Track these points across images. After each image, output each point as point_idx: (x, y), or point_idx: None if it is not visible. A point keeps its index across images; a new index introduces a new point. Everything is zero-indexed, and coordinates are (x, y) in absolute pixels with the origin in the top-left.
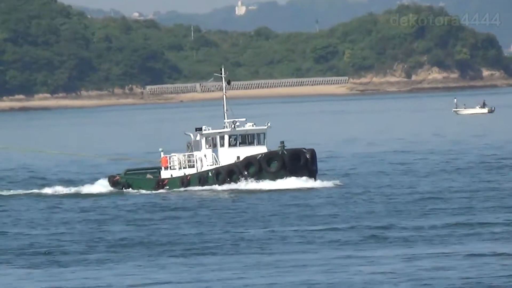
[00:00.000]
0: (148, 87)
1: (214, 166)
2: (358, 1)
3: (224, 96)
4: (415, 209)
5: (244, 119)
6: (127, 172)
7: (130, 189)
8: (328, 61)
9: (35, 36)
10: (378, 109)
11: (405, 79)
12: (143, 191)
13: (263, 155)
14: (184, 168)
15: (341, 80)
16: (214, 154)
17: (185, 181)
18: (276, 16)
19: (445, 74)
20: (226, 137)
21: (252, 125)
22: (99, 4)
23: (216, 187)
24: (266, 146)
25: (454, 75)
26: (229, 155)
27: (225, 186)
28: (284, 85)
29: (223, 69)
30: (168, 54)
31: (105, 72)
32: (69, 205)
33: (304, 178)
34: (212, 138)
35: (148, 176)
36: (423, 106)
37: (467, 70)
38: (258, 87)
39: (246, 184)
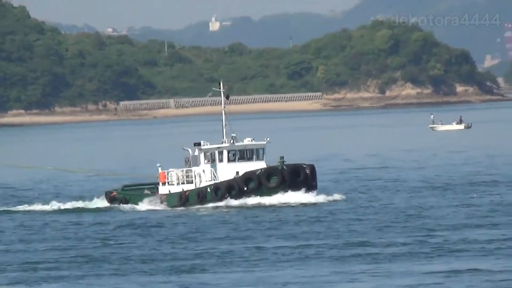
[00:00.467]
0: (122, 103)
1: (213, 182)
2: (332, 17)
3: (223, 111)
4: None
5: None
6: (125, 188)
7: (128, 205)
8: (302, 77)
9: (9, 52)
10: (353, 124)
11: (379, 95)
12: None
13: (262, 170)
14: (182, 183)
15: (314, 96)
16: (212, 169)
17: (183, 196)
18: (250, 31)
19: (418, 90)
20: (225, 152)
21: (251, 140)
22: (72, 20)
23: (215, 203)
24: (265, 162)
25: (428, 90)
26: (228, 171)
27: (224, 202)
28: (258, 101)
29: (221, 84)
30: (142, 70)
31: (78, 88)
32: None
33: (303, 192)
34: (211, 153)
35: (146, 191)
36: (399, 122)
37: (441, 85)
38: (232, 103)
39: (245, 200)
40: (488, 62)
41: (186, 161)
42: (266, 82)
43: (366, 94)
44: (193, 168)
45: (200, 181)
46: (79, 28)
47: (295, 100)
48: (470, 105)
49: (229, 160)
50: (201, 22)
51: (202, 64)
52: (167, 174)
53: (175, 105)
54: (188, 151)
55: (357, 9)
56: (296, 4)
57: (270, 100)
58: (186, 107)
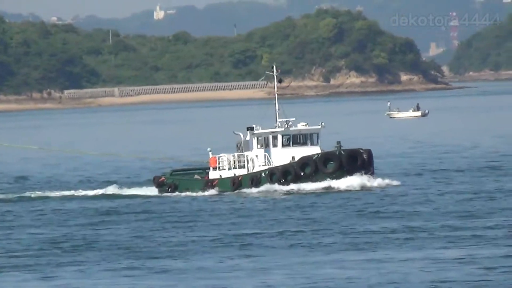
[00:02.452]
0: (67, 92)
1: (267, 167)
2: (277, 6)
3: (276, 95)
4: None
5: (294, 119)
6: (173, 173)
7: (177, 191)
8: (247, 65)
9: None
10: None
11: (323, 83)
12: (191, 193)
13: (319, 155)
14: (234, 168)
15: (259, 85)
16: (266, 154)
17: (236, 182)
18: (195, 20)
19: (363, 79)
20: (280, 137)
21: (305, 125)
22: (17, 8)
23: (270, 187)
24: (320, 147)
25: (372, 79)
26: (282, 155)
27: (279, 187)
28: (202, 90)
29: (275, 68)
30: (86, 58)
31: (23, 76)
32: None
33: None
34: (264, 138)
35: (196, 176)
36: (355, 110)
37: (385, 74)
38: (176, 91)
39: (301, 185)
40: (432, 51)
41: (238, 145)
42: (210, 71)
43: (310, 83)
44: (245, 153)
45: (253, 166)
46: (24, 17)
47: (240, 88)
48: (414, 93)
49: (283, 145)
50: (145, 11)
51: (146, 53)
52: (218, 159)
53: (120, 93)
54: (239, 135)
55: None
56: None
57: (214, 89)
58: (131, 95)
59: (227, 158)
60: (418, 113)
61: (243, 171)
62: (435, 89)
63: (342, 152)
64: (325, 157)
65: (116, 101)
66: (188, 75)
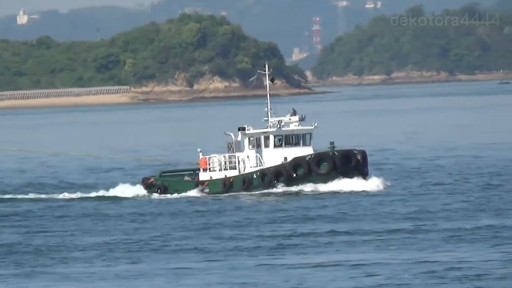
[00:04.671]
0: None
1: (258, 168)
2: (140, 10)
3: (268, 94)
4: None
5: (288, 119)
6: (162, 174)
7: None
8: (110, 70)
9: None
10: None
11: (187, 88)
12: (180, 194)
13: (312, 156)
14: (225, 169)
15: (123, 90)
16: (258, 155)
17: (227, 183)
18: (58, 25)
19: (226, 83)
20: (272, 137)
21: (298, 125)
22: None
23: (262, 189)
24: (312, 147)
25: (236, 84)
26: (274, 156)
27: (272, 189)
28: (65, 95)
29: (267, 66)
30: None
31: None
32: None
33: (355, 179)
34: (256, 138)
35: (186, 178)
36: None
37: (249, 79)
38: (40, 96)
39: (294, 187)
40: (296, 56)
41: (228, 146)
42: (74, 75)
43: (174, 88)
44: (237, 154)
45: (244, 167)
46: None
47: (103, 93)
48: (278, 98)
49: (275, 146)
50: (9, 16)
51: (9, 58)
52: (209, 159)
53: None
54: (230, 136)
55: (166, 2)
56: None
57: (78, 94)
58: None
59: (218, 159)
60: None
61: (234, 172)
62: (298, 94)
63: (336, 152)
64: (318, 158)
65: None
66: (51, 80)
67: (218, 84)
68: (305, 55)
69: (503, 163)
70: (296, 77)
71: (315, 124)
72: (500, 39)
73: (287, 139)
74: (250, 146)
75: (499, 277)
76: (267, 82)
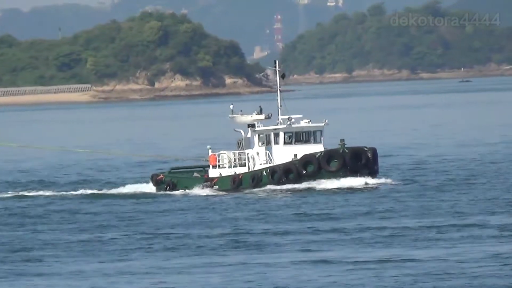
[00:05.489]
0: None
1: (268, 165)
2: (102, 9)
3: (279, 91)
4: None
5: (300, 116)
6: (172, 171)
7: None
8: (71, 68)
9: None
10: (153, 116)
11: (148, 87)
12: (190, 191)
13: (322, 153)
14: (234, 166)
15: (84, 88)
16: (268, 152)
17: (236, 180)
18: (20, 23)
19: (188, 82)
20: (282, 134)
21: (308, 122)
22: None
23: (271, 186)
24: (323, 145)
25: (197, 82)
26: (284, 153)
27: (281, 186)
28: (27, 93)
29: (277, 63)
30: None
31: None
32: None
33: (365, 177)
34: (266, 135)
35: (195, 174)
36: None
37: (210, 77)
38: (1, 95)
39: (304, 184)
40: (257, 54)
41: (238, 143)
42: (35, 74)
43: (135, 86)
44: (246, 151)
45: (254, 164)
46: None
47: (65, 92)
48: (239, 96)
49: (285, 143)
50: None
51: None
52: (218, 156)
53: None
54: (240, 132)
55: (127, 0)
56: None
57: (40, 92)
58: None
59: (228, 156)
60: (262, 116)
61: (243, 169)
62: (260, 92)
63: (346, 150)
64: (328, 155)
65: None
66: (13, 79)
67: (179, 82)
68: (266, 53)
69: (461, 163)
70: (257, 75)
71: (326, 121)
72: (462, 38)
73: (297, 136)
74: (260, 143)
75: None
76: (278, 78)
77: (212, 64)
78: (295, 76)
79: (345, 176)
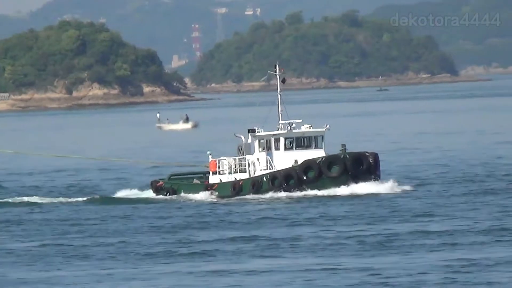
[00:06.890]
0: None
1: (269, 171)
2: (19, 18)
3: (279, 95)
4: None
5: (300, 120)
6: (172, 177)
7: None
8: None
9: None
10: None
11: (66, 95)
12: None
13: (323, 158)
14: (234, 172)
15: (2, 97)
16: (268, 157)
17: (237, 186)
18: None
19: (105, 90)
20: (282, 140)
21: (309, 127)
22: None
23: (272, 193)
24: (324, 150)
25: (115, 91)
26: (285, 159)
27: (282, 193)
28: None
29: (277, 67)
30: None
31: None
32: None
33: (367, 183)
34: (267, 141)
35: (195, 181)
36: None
37: (128, 86)
38: None
39: (304, 190)
40: (175, 63)
41: (239, 148)
42: None
43: (53, 95)
44: (247, 156)
45: (255, 170)
46: None
47: None
48: (157, 105)
49: (286, 148)
50: None
51: None
52: (218, 162)
53: None
54: (241, 138)
55: (45, 10)
56: None
57: None
58: None
59: (228, 162)
60: (189, 125)
61: (244, 175)
62: (177, 100)
63: (347, 155)
64: (329, 161)
65: None
66: None
67: (97, 91)
68: (184, 62)
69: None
70: (175, 84)
71: (327, 126)
72: (379, 46)
73: (298, 142)
74: (260, 149)
75: None
76: (278, 82)
77: (130, 73)
78: (213, 84)
79: (346, 181)
